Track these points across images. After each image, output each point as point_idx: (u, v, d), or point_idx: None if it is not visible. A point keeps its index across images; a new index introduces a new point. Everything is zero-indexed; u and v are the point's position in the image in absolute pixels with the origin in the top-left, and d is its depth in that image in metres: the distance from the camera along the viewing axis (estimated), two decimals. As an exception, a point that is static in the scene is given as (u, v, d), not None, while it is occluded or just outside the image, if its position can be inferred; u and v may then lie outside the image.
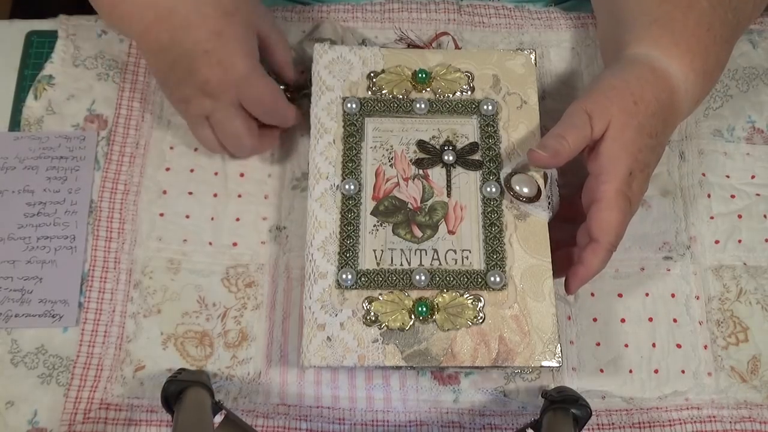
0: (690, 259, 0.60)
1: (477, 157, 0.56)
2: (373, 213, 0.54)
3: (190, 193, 0.61)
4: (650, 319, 0.58)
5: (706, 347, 0.58)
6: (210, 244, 0.59)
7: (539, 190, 0.53)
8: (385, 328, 0.51)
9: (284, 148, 0.63)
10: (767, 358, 0.57)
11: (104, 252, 0.58)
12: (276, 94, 0.56)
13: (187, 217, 0.60)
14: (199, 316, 0.57)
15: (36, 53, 0.65)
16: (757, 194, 0.62)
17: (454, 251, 0.53)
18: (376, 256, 0.53)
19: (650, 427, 0.55)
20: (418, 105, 0.57)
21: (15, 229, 0.59)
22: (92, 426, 0.53)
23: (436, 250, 0.53)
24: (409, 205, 0.54)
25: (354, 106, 0.56)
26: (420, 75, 0.58)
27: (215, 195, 0.61)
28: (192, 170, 0.61)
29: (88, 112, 0.63)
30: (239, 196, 0.61)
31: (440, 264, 0.53)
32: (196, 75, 0.53)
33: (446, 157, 0.55)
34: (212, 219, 0.60)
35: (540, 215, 0.54)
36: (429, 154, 0.56)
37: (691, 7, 0.53)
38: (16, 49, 0.66)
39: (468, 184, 0.55)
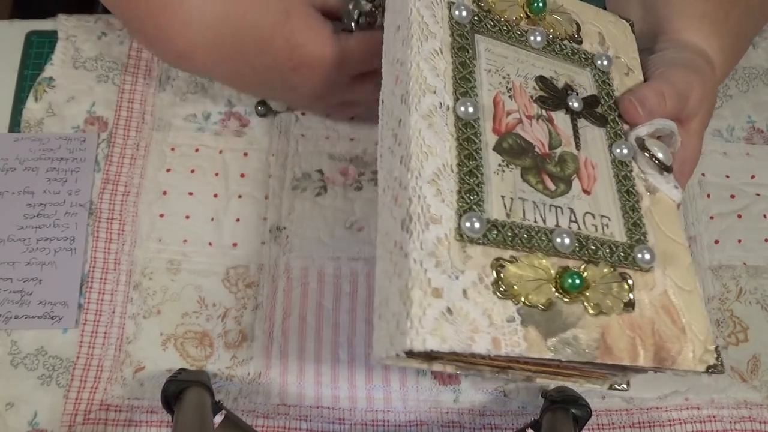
0: (690, 259, 0.60)
1: (600, 111, 0.47)
2: (495, 149, 0.41)
3: (191, 194, 0.61)
4: (650, 319, 0.58)
5: (706, 347, 0.58)
6: (210, 244, 0.59)
7: (671, 160, 0.46)
8: (523, 303, 0.37)
9: (284, 148, 0.63)
10: (767, 358, 0.57)
11: (104, 253, 0.58)
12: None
13: (187, 217, 0.60)
14: (199, 316, 0.57)
15: (36, 53, 0.65)
16: (757, 194, 0.62)
17: (593, 215, 0.42)
18: (504, 205, 0.39)
19: (650, 427, 0.55)
20: (533, 38, 0.46)
21: (15, 230, 0.59)
22: (92, 427, 0.53)
23: (572, 210, 0.41)
24: (537, 149, 0.42)
25: (464, 14, 0.44)
26: (536, 4, 0.47)
27: (215, 195, 0.61)
28: (193, 171, 0.61)
29: (88, 114, 0.63)
30: (239, 196, 0.61)
31: (579, 228, 0.41)
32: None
33: (571, 103, 0.45)
34: (212, 219, 0.60)
35: (671, 193, 0.45)
36: (552, 94, 0.46)
37: (728, 13, 0.54)
38: (16, 49, 0.66)
39: (594, 140, 0.45)
